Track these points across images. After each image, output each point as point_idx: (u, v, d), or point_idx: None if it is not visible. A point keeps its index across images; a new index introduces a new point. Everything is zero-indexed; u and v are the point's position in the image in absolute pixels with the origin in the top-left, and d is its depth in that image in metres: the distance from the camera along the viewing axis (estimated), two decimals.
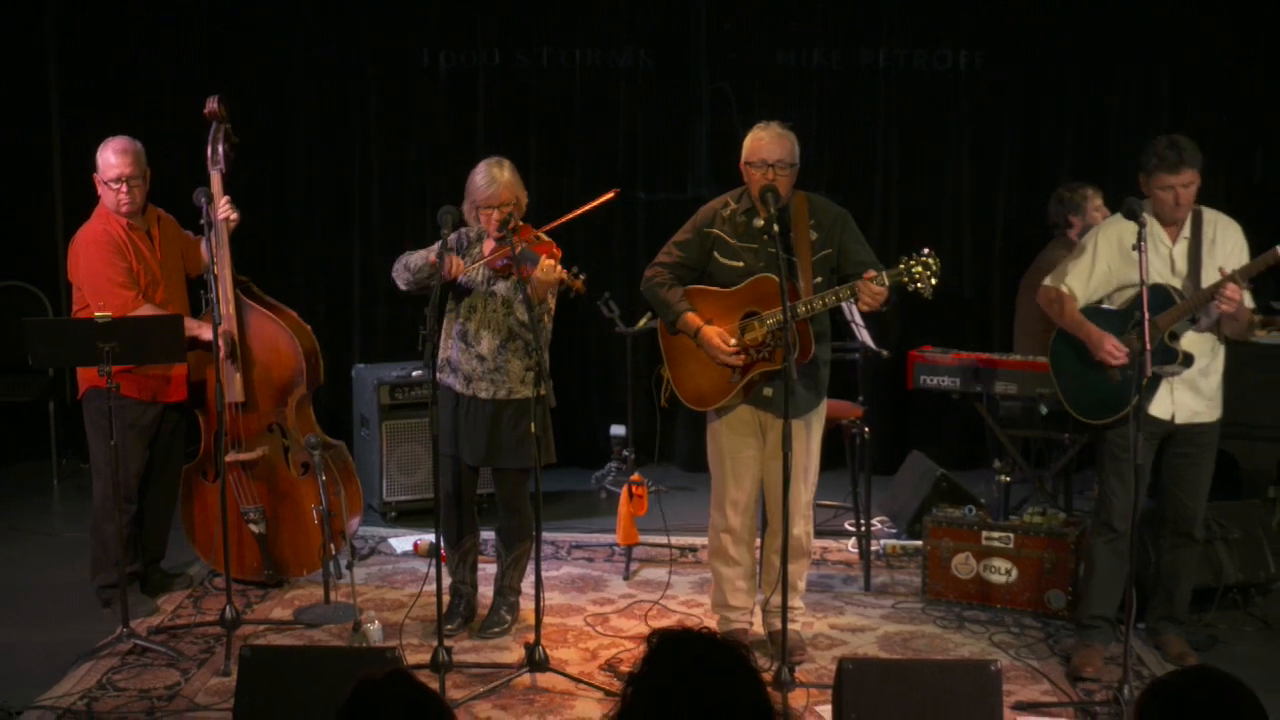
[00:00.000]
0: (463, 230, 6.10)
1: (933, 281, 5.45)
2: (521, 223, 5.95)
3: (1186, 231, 5.70)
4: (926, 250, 5.47)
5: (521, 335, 5.96)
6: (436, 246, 5.99)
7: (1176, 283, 5.67)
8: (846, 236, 5.80)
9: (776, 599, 5.81)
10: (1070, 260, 5.99)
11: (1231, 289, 5.51)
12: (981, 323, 8.98)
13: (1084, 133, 9.01)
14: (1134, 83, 9.05)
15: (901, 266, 5.46)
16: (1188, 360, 5.61)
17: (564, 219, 6.19)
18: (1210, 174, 8.87)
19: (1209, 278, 5.62)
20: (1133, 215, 5.45)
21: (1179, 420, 5.67)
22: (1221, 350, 5.84)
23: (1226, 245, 5.73)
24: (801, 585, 6.16)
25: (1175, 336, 5.63)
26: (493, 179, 5.95)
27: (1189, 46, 8.94)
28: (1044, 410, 7.06)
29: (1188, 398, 5.69)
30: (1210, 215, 5.78)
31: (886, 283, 5.43)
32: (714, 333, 5.72)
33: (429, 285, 5.81)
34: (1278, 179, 8.92)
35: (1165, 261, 5.72)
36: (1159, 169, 5.62)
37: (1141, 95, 9.04)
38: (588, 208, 6.25)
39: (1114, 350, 5.71)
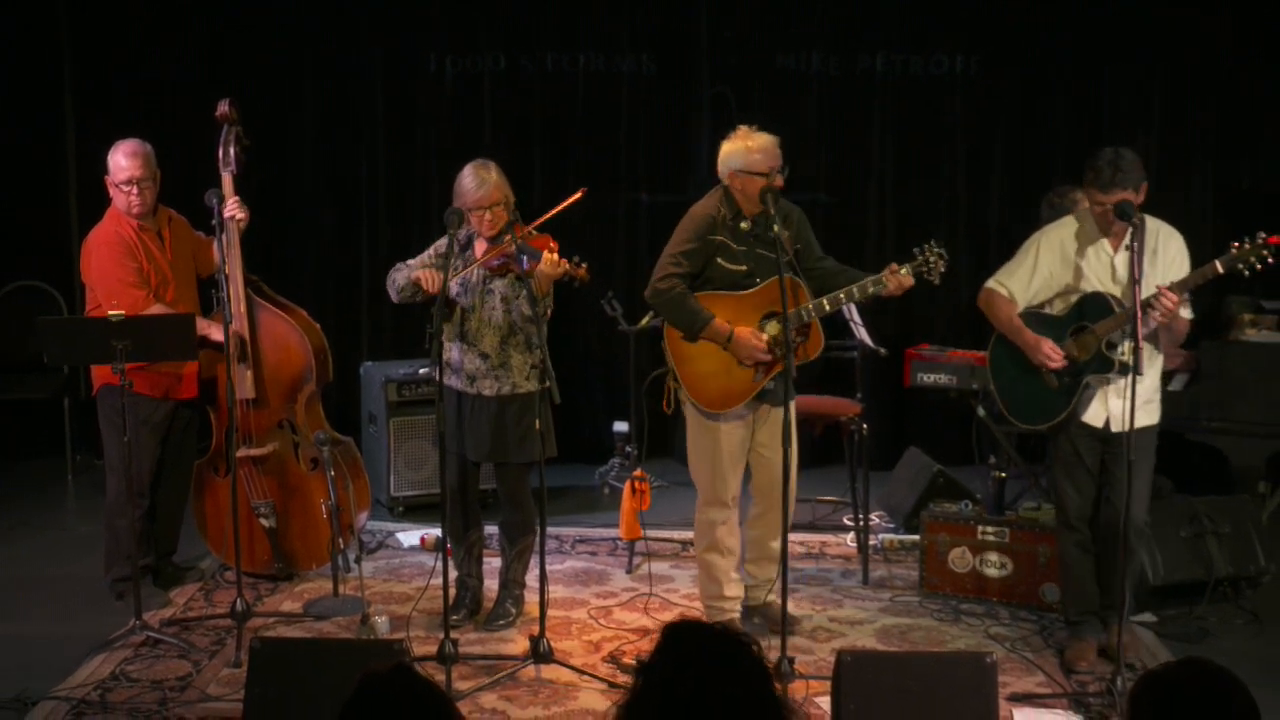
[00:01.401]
0: (451, 235, 6.17)
1: (942, 270, 5.85)
2: (518, 221, 6.04)
3: (1129, 240, 5.53)
4: (932, 240, 5.86)
5: (525, 329, 6.04)
6: (426, 255, 6.15)
7: (1117, 291, 5.63)
8: (808, 233, 6.07)
9: (761, 572, 6.17)
10: (1011, 262, 5.97)
11: (1167, 300, 5.47)
12: (977, 322, 8.98)
13: (1078, 135, 9.04)
14: (1128, 86, 9.09)
15: (920, 259, 5.80)
16: (1124, 368, 5.45)
17: (536, 223, 6.08)
18: (1200, 177, 8.99)
19: (1149, 287, 5.54)
20: (1126, 216, 5.46)
21: (1114, 428, 5.57)
22: (1159, 359, 5.84)
23: (1168, 255, 5.70)
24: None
25: (1113, 345, 5.58)
26: (482, 180, 6.01)
27: (1187, 47, 8.97)
28: (981, 412, 7.15)
29: (1120, 403, 5.52)
30: (1153, 225, 5.70)
31: (911, 273, 5.81)
32: (748, 333, 5.86)
33: (417, 300, 6.06)
34: (1268, 183, 8.98)
35: (1106, 269, 5.70)
36: (1093, 184, 5.59)
37: (1135, 99, 9.07)
38: (557, 210, 6.11)
39: (1051, 353, 5.71)
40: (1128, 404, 5.31)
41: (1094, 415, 5.76)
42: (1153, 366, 5.81)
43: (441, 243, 6.15)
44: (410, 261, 6.19)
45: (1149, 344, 5.71)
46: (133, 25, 9.21)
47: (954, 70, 9.10)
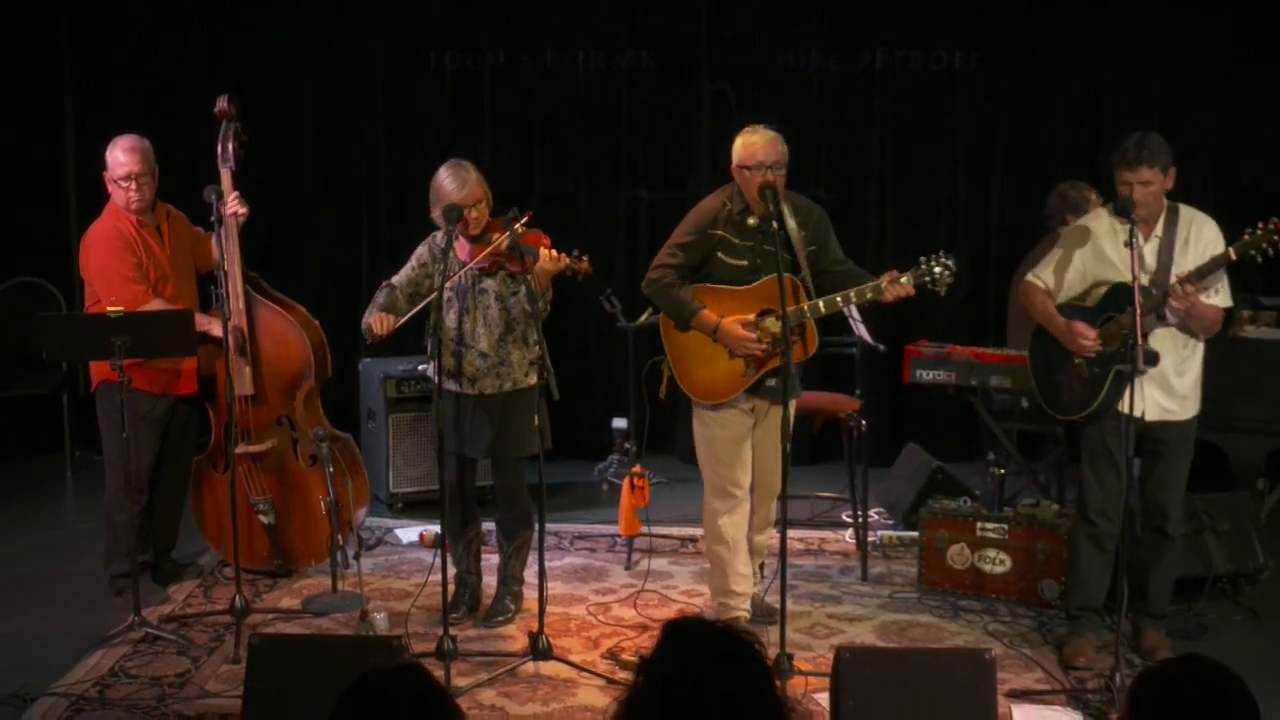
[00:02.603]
0: (431, 241, 6.18)
1: (949, 281, 5.74)
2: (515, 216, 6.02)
3: (1159, 230, 5.65)
4: (942, 251, 5.75)
5: (526, 325, 6.04)
6: (409, 267, 6.16)
7: (1145, 280, 5.55)
8: (827, 235, 6.02)
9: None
10: (1048, 255, 6.01)
11: (1179, 292, 5.49)
12: (976, 318, 9.01)
13: (1078, 133, 9.06)
14: (1128, 84, 9.09)
15: (924, 267, 5.72)
16: (1151, 358, 5.45)
17: (483, 256, 5.95)
18: (1200, 176, 8.98)
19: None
20: (1124, 212, 5.49)
21: (1150, 418, 5.54)
22: (1199, 347, 5.81)
23: (1200, 245, 5.69)
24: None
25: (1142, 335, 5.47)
26: (463, 180, 5.99)
27: (1187, 47, 8.95)
28: (1025, 404, 7.14)
29: (1158, 395, 5.61)
30: (1187, 214, 5.74)
31: (912, 283, 5.71)
32: (734, 324, 5.85)
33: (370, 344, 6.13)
34: (1268, 182, 8.97)
35: (1137, 258, 5.67)
36: (1120, 164, 5.61)
37: (1136, 96, 9.06)
38: (505, 235, 5.91)
39: (1085, 332, 5.72)
40: (1131, 396, 5.31)
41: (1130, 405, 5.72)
42: (1192, 356, 5.81)
43: (423, 251, 6.18)
44: (395, 279, 6.20)
45: (1183, 334, 5.73)
46: (133, 25, 9.21)
47: (953, 67, 9.09)
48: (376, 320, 5.99)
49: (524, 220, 5.91)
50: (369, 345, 6.17)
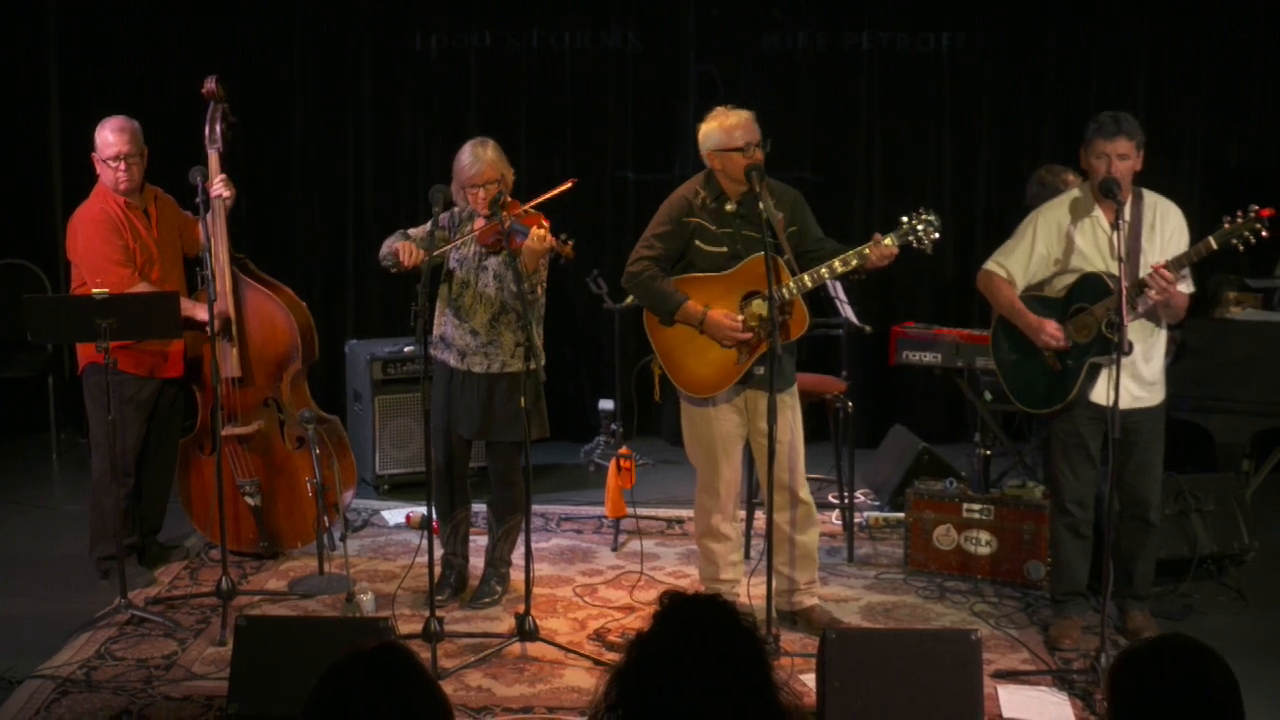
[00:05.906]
0: (454, 210, 6.21)
1: (935, 236, 5.68)
2: (510, 199, 6.05)
3: (1126, 214, 5.44)
4: (922, 209, 5.70)
5: (515, 308, 6.03)
6: (427, 226, 6.11)
7: (1115, 268, 5.44)
8: (805, 215, 5.95)
9: (798, 574, 6.03)
10: (1008, 243, 5.92)
11: (1158, 281, 5.44)
12: (962, 299, 9.01)
13: (1064, 116, 9.03)
14: (1116, 67, 9.07)
15: (905, 226, 5.68)
16: (1128, 346, 5.36)
17: (521, 208, 6.03)
18: (1188, 158, 8.98)
19: (1149, 263, 5.55)
20: (1110, 193, 5.45)
21: (1122, 406, 5.40)
22: (1162, 334, 5.81)
23: (1166, 230, 5.67)
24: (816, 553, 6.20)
25: (1113, 326, 5.41)
26: (477, 158, 6.04)
27: (1175, 31, 8.94)
28: (988, 396, 7.15)
29: (1129, 383, 5.52)
30: (1151, 199, 5.71)
31: (897, 243, 5.64)
32: (721, 315, 5.78)
33: (392, 272, 6.11)
34: (1251, 164, 8.98)
35: (1105, 245, 5.65)
36: (1096, 135, 5.58)
37: (1123, 80, 9.03)
38: (545, 198, 6.06)
39: (1055, 334, 5.68)
40: (1113, 381, 5.30)
41: (1100, 394, 5.66)
42: (1156, 343, 5.80)
43: (444, 218, 6.18)
44: (411, 231, 6.21)
45: (1150, 321, 5.71)
46: (123, 15, 9.18)
47: (940, 48, 9.07)
48: (404, 249, 5.98)
49: (564, 188, 6.06)
50: (393, 272, 6.11)
